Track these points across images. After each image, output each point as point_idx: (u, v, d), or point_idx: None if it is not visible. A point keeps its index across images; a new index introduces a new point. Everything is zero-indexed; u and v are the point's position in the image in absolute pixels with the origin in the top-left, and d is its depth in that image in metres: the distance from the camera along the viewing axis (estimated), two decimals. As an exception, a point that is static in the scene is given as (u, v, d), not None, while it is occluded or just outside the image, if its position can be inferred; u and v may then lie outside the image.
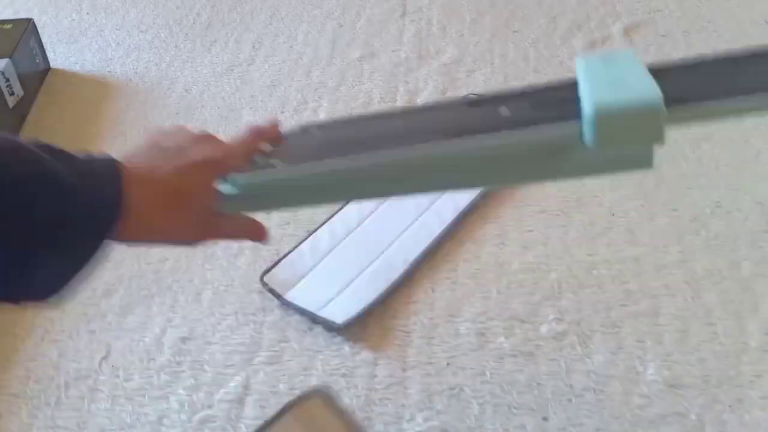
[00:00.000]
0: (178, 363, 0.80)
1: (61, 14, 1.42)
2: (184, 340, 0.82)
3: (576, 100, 0.45)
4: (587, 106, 0.41)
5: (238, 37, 1.32)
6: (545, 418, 0.73)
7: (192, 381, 0.78)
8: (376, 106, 1.14)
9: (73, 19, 1.40)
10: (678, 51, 1.21)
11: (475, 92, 1.14)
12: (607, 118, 0.40)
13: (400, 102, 1.15)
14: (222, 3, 1.42)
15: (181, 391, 0.77)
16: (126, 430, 0.75)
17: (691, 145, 1.05)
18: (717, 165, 1.01)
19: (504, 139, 0.46)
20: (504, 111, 0.49)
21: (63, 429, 0.76)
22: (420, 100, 1.14)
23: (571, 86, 0.48)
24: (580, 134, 0.42)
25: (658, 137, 0.39)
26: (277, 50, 1.28)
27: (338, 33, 1.31)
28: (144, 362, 0.81)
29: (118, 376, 0.80)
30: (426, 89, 1.16)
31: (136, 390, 0.78)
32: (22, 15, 1.27)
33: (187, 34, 1.34)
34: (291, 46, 1.29)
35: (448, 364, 0.78)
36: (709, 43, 1.22)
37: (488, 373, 0.77)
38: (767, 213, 0.94)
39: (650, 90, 0.41)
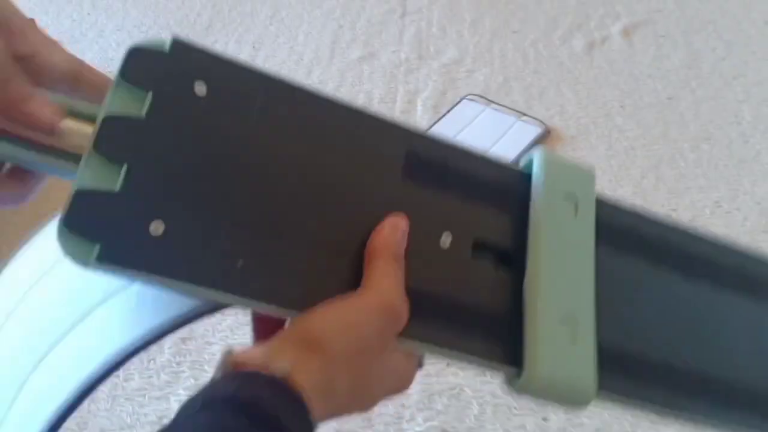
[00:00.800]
0: (178, 363, 0.80)
1: (62, 15, 1.42)
2: (184, 340, 0.82)
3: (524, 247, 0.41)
4: (525, 365, 0.38)
5: (238, 38, 1.32)
6: (545, 419, 0.73)
7: (192, 381, 0.78)
8: (376, 107, 1.14)
9: (74, 20, 1.40)
10: (678, 51, 1.21)
11: (474, 93, 1.14)
12: (538, 388, 0.39)
13: (400, 102, 1.15)
14: (222, 3, 1.42)
15: (181, 391, 0.78)
16: (126, 431, 0.75)
17: (690, 145, 1.05)
18: (716, 165, 1.02)
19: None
20: (444, 241, 0.40)
21: (63, 429, 0.76)
22: (420, 100, 1.14)
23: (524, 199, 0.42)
24: (513, 376, 0.39)
25: (584, 406, 0.40)
26: (277, 50, 1.28)
27: (338, 33, 1.31)
28: (144, 362, 0.81)
29: (118, 376, 0.80)
30: (426, 89, 1.17)
31: (136, 390, 0.78)
32: (23, 16, 1.27)
33: (187, 34, 1.34)
34: (291, 47, 1.29)
35: (448, 364, 0.78)
36: (709, 43, 1.22)
37: (489, 374, 0.77)
38: (766, 213, 0.94)
39: (589, 379, 0.39)
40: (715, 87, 1.14)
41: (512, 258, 0.41)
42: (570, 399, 0.39)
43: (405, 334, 0.37)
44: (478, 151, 0.44)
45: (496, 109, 1.11)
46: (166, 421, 0.83)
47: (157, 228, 0.34)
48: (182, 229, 0.34)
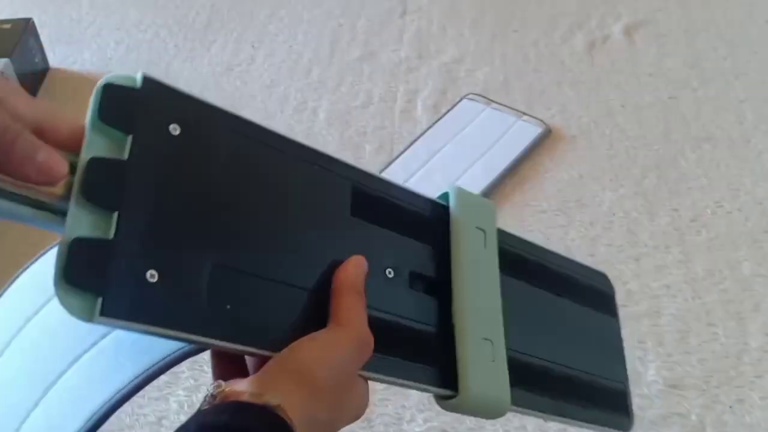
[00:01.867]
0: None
1: (61, 14, 1.42)
2: (183, 340, 0.82)
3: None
4: (460, 388, 0.43)
5: (237, 37, 1.32)
6: (546, 420, 0.73)
7: (191, 382, 0.78)
8: (376, 106, 1.14)
9: (73, 19, 1.40)
10: (679, 50, 1.21)
11: (474, 92, 1.13)
12: (468, 407, 0.44)
13: (400, 101, 1.14)
14: (222, 3, 1.41)
15: (180, 392, 0.77)
16: (125, 431, 0.74)
17: (692, 145, 1.05)
18: (718, 165, 1.01)
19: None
20: (388, 274, 0.44)
21: None
22: (420, 100, 1.14)
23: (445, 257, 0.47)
24: (446, 396, 0.44)
25: (498, 417, 0.46)
26: (276, 50, 1.28)
27: (338, 33, 1.31)
28: (143, 363, 0.81)
29: (117, 377, 0.80)
30: (426, 88, 1.16)
31: (135, 390, 0.78)
32: (22, 15, 1.26)
33: (186, 33, 1.34)
34: (291, 46, 1.29)
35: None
36: (711, 43, 1.22)
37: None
38: (768, 213, 0.94)
39: (506, 394, 0.45)
40: (717, 87, 1.14)
41: (439, 286, 0.46)
42: (490, 413, 0.45)
43: (366, 366, 0.40)
44: (406, 187, 0.48)
45: (496, 109, 1.11)
46: (165, 421, 0.83)
47: (152, 276, 0.33)
48: (175, 276, 0.34)
